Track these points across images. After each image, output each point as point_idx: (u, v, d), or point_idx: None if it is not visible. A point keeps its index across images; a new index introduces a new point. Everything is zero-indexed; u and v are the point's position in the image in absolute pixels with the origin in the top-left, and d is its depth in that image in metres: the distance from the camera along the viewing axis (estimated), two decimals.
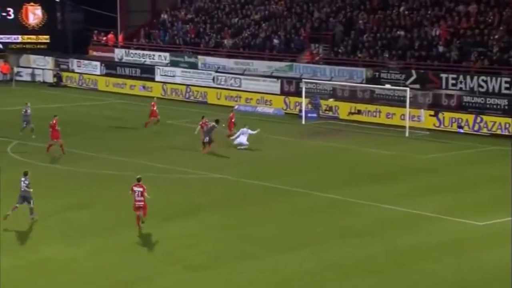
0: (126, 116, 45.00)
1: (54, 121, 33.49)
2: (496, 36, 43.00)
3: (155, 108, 39.62)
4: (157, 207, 24.22)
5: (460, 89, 41.98)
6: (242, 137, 34.98)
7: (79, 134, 37.05)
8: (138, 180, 23.51)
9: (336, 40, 48.97)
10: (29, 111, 37.31)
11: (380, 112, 42.91)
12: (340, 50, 48.14)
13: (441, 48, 44.37)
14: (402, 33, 46.30)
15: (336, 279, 19.78)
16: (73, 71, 58.35)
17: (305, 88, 43.91)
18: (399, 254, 21.55)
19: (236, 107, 47.38)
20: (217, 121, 34.38)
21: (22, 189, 23.67)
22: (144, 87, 52.94)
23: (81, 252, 21.48)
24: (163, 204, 24.89)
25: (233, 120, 36.60)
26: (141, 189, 23.21)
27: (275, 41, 51.00)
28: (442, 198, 27.48)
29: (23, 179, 23.71)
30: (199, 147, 34.28)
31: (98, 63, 57.40)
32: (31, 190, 23.72)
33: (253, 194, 27.89)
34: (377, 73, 44.81)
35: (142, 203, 23.18)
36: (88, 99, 51.44)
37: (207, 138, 33.90)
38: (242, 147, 34.94)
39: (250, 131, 34.98)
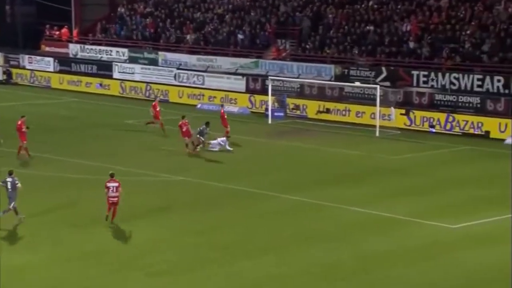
0: (82, 116, 44.85)
1: (20, 122, 33.16)
2: (468, 32, 43.66)
3: (158, 109, 39.13)
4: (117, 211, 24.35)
5: (432, 86, 42.52)
6: (215, 144, 35.17)
7: (34, 135, 36.77)
8: (112, 175, 24.19)
9: (303, 36, 49.32)
10: None
11: (349, 110, 43.34)
12: (307, 46, 48.50)
13: (412, 44, 44.91)
14: (371, 28, 46.78)
15: (303, 285, 20.06)
16: (24, 68, 57.93)
17: (272, 85, 44.18)
18: (369, 259, 21.84)
19: (198, 105, 47.56)
20: (207, 124, 34.64)
21: (10, 189, 23.64)
22: (101, 84, 52.78)
23: (40, 260, 21.50)
24: (123, 209, 24.94)
25: (225, 117, 37.10)
26: (116, 184, 23.92)
27: (240, 36, 51.17)
28: (414, 200, 27.89)
29: (9, 179, 23.69)
30: (162, 147, 34.30)
31: (51, 59, 57.05)
32: (20, 185, 23.71)
33: (216, 196, 28.09)
34: (346, 70, 45.25)
35: (116, 198, 23.88)
36: (41, 97, 51.13)
37: (200, 139, 34.28)
38: (211, 147, 35.16)
39: (227, 145, 35.22)
